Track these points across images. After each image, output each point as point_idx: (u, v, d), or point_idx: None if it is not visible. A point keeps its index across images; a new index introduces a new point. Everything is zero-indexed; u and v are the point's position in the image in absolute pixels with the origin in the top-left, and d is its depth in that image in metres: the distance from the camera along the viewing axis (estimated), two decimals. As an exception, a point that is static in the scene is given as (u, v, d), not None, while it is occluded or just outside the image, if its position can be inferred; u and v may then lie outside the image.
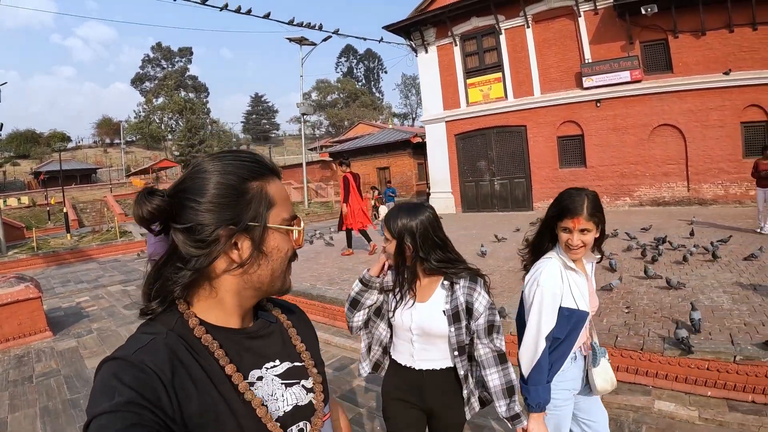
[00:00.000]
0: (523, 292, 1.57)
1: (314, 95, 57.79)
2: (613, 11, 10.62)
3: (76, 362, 4.30)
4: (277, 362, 0.69)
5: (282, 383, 0.68)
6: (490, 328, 1.44)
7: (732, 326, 3.26)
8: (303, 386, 0.71)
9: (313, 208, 19.07)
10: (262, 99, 62.42)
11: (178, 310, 0.63)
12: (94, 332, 5.28)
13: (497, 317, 1.46)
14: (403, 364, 1.50)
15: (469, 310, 1.42)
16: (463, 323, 1.42)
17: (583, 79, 11.12)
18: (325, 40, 16.52)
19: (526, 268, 1.61)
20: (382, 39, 16.06)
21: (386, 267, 1.52)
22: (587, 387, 1.61)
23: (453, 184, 13.71)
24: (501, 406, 1.43)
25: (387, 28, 13.69)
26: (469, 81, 13.09)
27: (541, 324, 1.44)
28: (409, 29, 13.64)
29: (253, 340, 0.68)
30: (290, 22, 13.61)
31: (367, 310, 1.56)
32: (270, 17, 12.83)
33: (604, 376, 1.57)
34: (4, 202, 21.77)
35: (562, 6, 11.30)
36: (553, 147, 11.93)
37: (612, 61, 10.75)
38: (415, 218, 1.44)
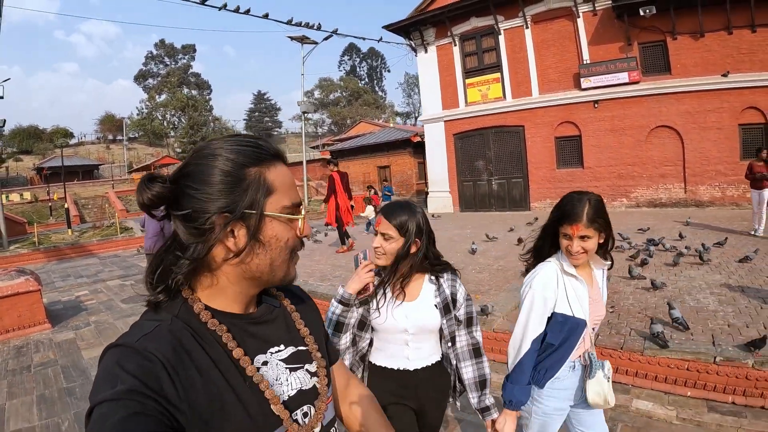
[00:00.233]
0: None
1: (317, 93, 57.86)
2: (611, 12, 10.65)
3: (73, 353, 4.40)
4: (282, 347, 0.69)
5: (286, 368, 0.68)
6: (470, 320, 1.50)
7: (715, 327, 3.31)
8: (307, 370, 0.71)
9: (313, 206, 19.16)
10: (265, 96, 62.49)
11: (182, 297, 0.62)
12: (91, 325, 5.38)
13: (474, 308, 1.52)
14: (396, 368, 1.46)
15: (454, 301, 1.47)
16: (452, 314, 1.47)
17: (581, 80, 11.16)
18: (326, 38, 16.59)
19: (527, 271, 1.58)
20: (381, 39, 16.16)
21: (371, 287, 1.41)
22: (585, 400, 1.55)
23: (451, 183, 13.79)
24: (473, 398, 1.48)
25: (387, 27, 13.76)
26: (467, 81, 13.15)
27: (527, 326, 1.44)
28: (409, 29, 13.71)
29: (257, 326, 0.67)
30: (289, 22, 13.70)
31: (352, 328, 1.48)
32: (269, 17, 12.92)
33: (597, 389, 1.49)
34: (7, 197, 21.93)
35: (561, 7, 11.34)
36: (550, 147, 11.98)
37: (610, 62, 10.79)
38: (417, 215, 1.44)
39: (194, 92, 54.08)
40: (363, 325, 1.48)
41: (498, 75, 12.58)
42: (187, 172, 0.62)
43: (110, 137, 51.16)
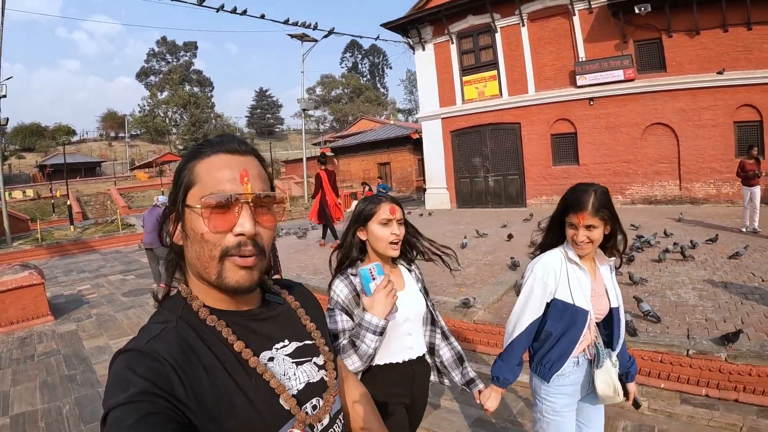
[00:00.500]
0: None
1: (319, 90, 57.90)
2: (607, 10, 10.67)
3: (75, 343, 4.58)
4: (286, 342, 0.70)
5: (293, 362, 0.69)
6: (434, 305, 1.57)
7: (692, 321, 3.38)
8: (315, 363, 0.72)
9: (312, 203, 19.29)
10: (267, 93, 62.51)
11: (181, 295, 0.65)
12: (93, 317, 5.56)
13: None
14: (401, 361, 1.44)
15: (425, 285, 1.56)
16: (429, 298, 1.54)
17: (577, 77, 11.22)
18: (325, 36, 16.69)
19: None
20: (378, 37, 16.28)
21: (395, 305, 1.24)
22: (594, 393, 1.53)
23: (448, 180, 13.89)
24: (456, 376, 1.53)
25: (385, 25, 13.85)
26: (464, 78, 13.23)
27: (525, 309, 1.46)
28: (407, 27, 13.78)
29: (260, 322, 0.68)
30: (285, 22, 13.83)
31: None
32: (265, 18, 13.04)
33: (606, 379, 1.46)
34: (10, 194, 22.12)
35: (557, 5, 11.37)
36: (546, 144, 12.06)
37: (606, 59, 10.82)
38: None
39: (196, 89, 54.21)
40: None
41: (494, 73, 12.65)
42: None
43: (112, 134, 51.38)
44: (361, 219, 1.41)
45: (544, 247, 1.57)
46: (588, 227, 1.39)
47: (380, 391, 1.36)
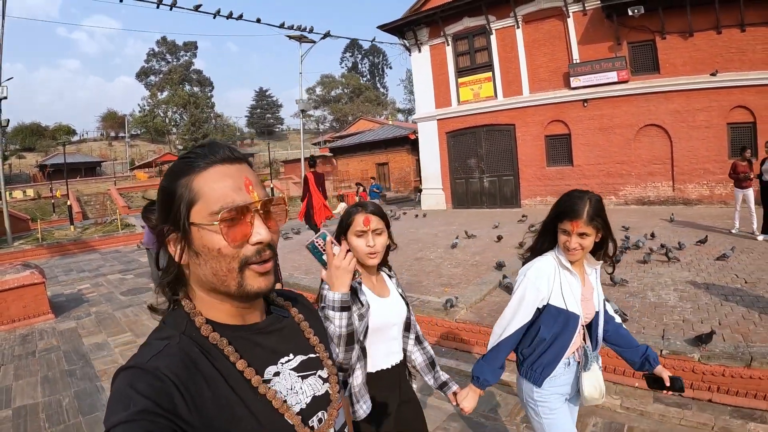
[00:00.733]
0: None
1: (318, 90, 58.02)
2: (601, 12, 10.75)
3: (74, 340, 4.73)
4: (291, 356, 0.69)
5: (298, 376, 0.68)
6: (410, 310, 1.59)
7: (669, 322, 3.42)
8: (319, 376, 0.72)
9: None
10: (267, 93, 62.58)
11: (184, 310, 0.63)
12: (92, 315, 5.70)
13: None
14: (389, 366, 1.45)
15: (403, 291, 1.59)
16: (408, 304, 1.57)
17: (571, 79, 11.33)
18: (323, 38, 16.82)
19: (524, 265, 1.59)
20: (374, 39, 16.43)
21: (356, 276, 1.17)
22: (576, 395, 1.57)
23: (444, 180, 14.01)
24: (429, 380, 1.56)
25: (381, 27, 13.96)
26: (460, 80, 13.35)
27: (516, 313, 1.46)
28: (403, 29, 13.89)
29: (265, 336, 0.67)
30: (281, 26, 13.97)
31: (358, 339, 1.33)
32: (261, 21, 13.20)
33: (593, 382, 1.51)
34: (10, 194, 22.23)
35: (551, 7, 11.48)
36: (540, 146, 12.18)
37: (599, 61, 10.91)
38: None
39: (196, 89, 54.29)
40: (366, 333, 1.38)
41: (489, 74, 12.77)
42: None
43: (112, 134, 51.52)
44: (342, 228, 1.43)
45: (534, 251, 1.58)
46: (581, 235, 1.40)
47: (375, 395, 1.38)
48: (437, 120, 13.86)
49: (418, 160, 23.05)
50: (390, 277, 1.56)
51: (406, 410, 1.49)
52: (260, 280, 0.62)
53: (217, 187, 0.60)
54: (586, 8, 11.08)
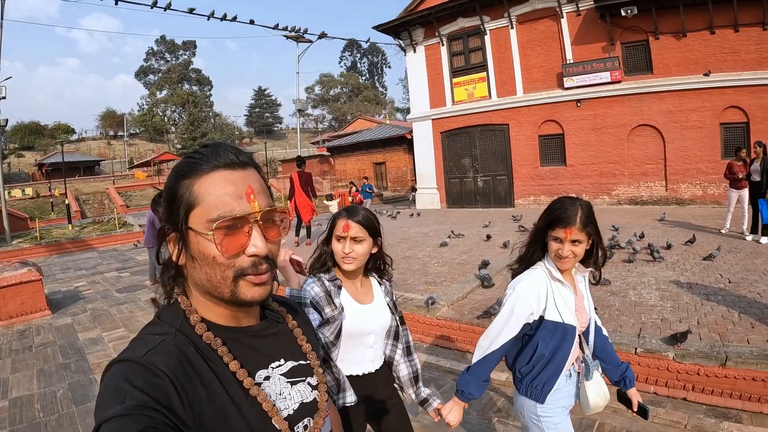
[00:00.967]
0: None
1: (317, 89, 58.09)
2: (594, 13, 10.78)
3: (70, 335, 4.85)
4: (282, 361, 0.69)
5: (287, 381, 0.69)
6: (402, 319, 1.59)
7: (647, 321, 3.44)
8: (308, 383, 0.72)
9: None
10: (265, 92, 62.63)
11: (180, 307, 0.63)
12: (88, 311, 5.82)
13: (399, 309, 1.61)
14: (361, 374, 1.46)
15: (395, 300, 1.57)
16: (397, 313, 1.56)
17: (565, 79, 11.41)
18: (319, 38, 16.91)
19: (514, 278, 1.55)
20: (369, 40, 16.62)
21: (298, 264, 1.40)
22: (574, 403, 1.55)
23: (438, 180, 14.12)
24: (411, 394, 1.56)
25: (377, 28, 14.06)
26: (455, 80, 13.46)
27: (505, 327, 1.42)
28: (398, 29, 13.98)
29: (258, 340, 0.67)
30: (275, 27, 14.07)
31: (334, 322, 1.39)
32: (255, 23, 13.30)
33: (598, 390, 1.49)
34: (9, 193, 22.33)
35: (545, 7, 11.56)
36: (534, 146, 12.28)
37: (593, 61, 10.98)
38: (374, 215, 1.47)
39: (195, 88, 54.36)
40: (339, 333, 1.41)
41: (484, 74, 12.87)
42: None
43: (111, 133, 51.59)
44: (329, 229, 1.47)
45: (524, 260, 1.54)
46: (574, 242, 1.37)
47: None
48: (432, 120, 13.97)
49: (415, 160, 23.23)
50: (380, 284, 1.54)
51: (387, 417, 1.49)
52: (254, 289, 0.61)
53: (217, 193, 0.59)
54: (580, 9, 11.16)
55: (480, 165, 13.27)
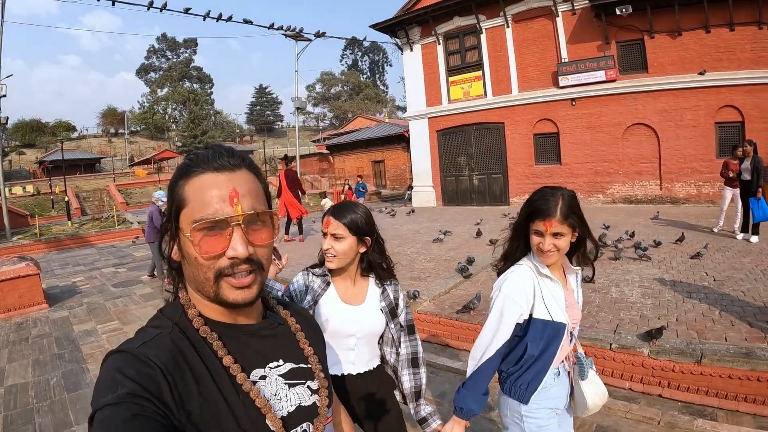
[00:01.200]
0: None
1: (318, 87, 58.12)
2: (590, 12, 10.82)
3: (66, 327, 4.98)
4: (281, 362, 0.68)
5: (285, 383, 0.67)
6: (411, 328, 1.49)
7: (626, 317, 3.45)
8: (308, 387, 0.71)
9: (304, 200, 19.62)
10: (266, 90, 62.67)
11: (180, 302, 0.65)
12: (84, 305, 5.95)
13: (411, 315, 1.53)
14: (340, 374, 1.42)
15: (397, 306, 1.47)
16: (397, 319, 1.47)
17: (560, 78, 11.46)
18: (318, 36, 16.98)
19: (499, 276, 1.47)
20: (365, 38, 16.66)
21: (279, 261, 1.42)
22: (567, 406, 1.47)
23: (434, 178, 14.21)
24: (411, 409, 1.47)
25: (374, 27, 14.14)
26: (451, 79, 13.53)
27: (496, 333, 1.34)
28: (395, 28, 14.05)
29: (257, 339, 0.67)
30: (270, 27, 14.16)
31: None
32: (253, 23, 13.39)
33: (595, 389, 1.40)
34: (10, 190, 22.43)
35: (540, 6, 11.61)
36: (529, 144, 12.35)
37: (588, 60, 11.00)
38: (365, 213, 1.41)
39: (196, 86, 54.43)
40: None
41: (480, 73, 12.93)
42: None
43: (112, 131, 51.72)
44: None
45: (507, 257, 1.46)
46: (555, 235, 1.29)
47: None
48: (428, 118, 14.04)
49: (413, 158, 23.29)
50: (380, 287, 1.47)
51: (374, 422, 1.44)
52: (236, 293, 0.61)
53: (201, 196, 0.60)
54: (575, 8, 11.19)
55: (475, 163, 13.34)
